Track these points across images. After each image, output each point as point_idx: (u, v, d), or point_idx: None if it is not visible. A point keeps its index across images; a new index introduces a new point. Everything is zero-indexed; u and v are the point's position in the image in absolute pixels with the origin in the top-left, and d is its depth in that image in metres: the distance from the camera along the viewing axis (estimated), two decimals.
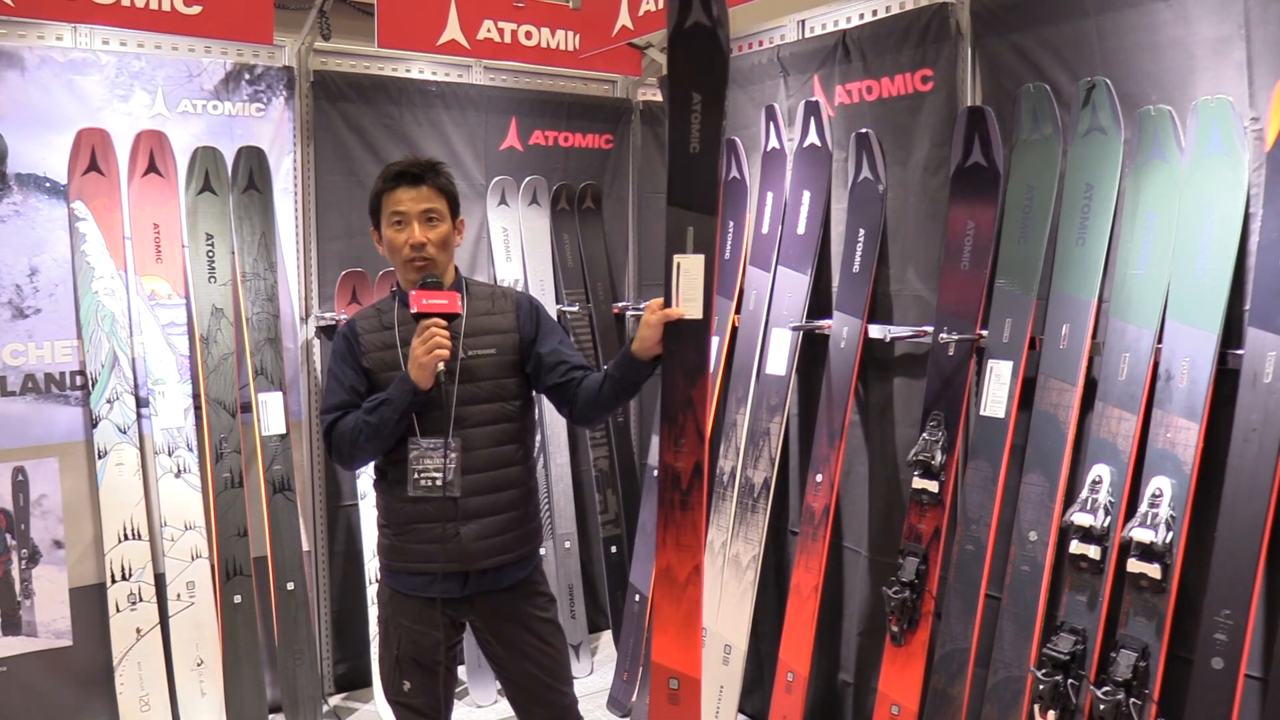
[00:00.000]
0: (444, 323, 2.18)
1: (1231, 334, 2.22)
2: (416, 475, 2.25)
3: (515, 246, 4.11)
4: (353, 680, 3.85)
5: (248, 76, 3.56)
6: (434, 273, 2.27)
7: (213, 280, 3.48)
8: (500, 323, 2.36)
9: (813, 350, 3.19)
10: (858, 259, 3.02)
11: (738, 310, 3.43)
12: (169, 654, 3.35)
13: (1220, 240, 2.23)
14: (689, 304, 2.22)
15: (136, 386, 3.37)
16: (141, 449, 3.36)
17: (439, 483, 2.25)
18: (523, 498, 2.37)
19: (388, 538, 2.34)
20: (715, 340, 3.45)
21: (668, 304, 2.18)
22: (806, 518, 3.08)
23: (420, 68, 3.93)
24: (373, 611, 3.63)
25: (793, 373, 3.16)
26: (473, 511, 2.28)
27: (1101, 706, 2.25)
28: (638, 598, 3.52)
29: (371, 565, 3.65)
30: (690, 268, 2.25)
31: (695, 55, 2.29)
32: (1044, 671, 2.37)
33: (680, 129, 2.27)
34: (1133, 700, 2.23)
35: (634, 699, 3.53)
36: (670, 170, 2.27)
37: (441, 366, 2.17)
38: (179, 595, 3.36)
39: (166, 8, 3.23)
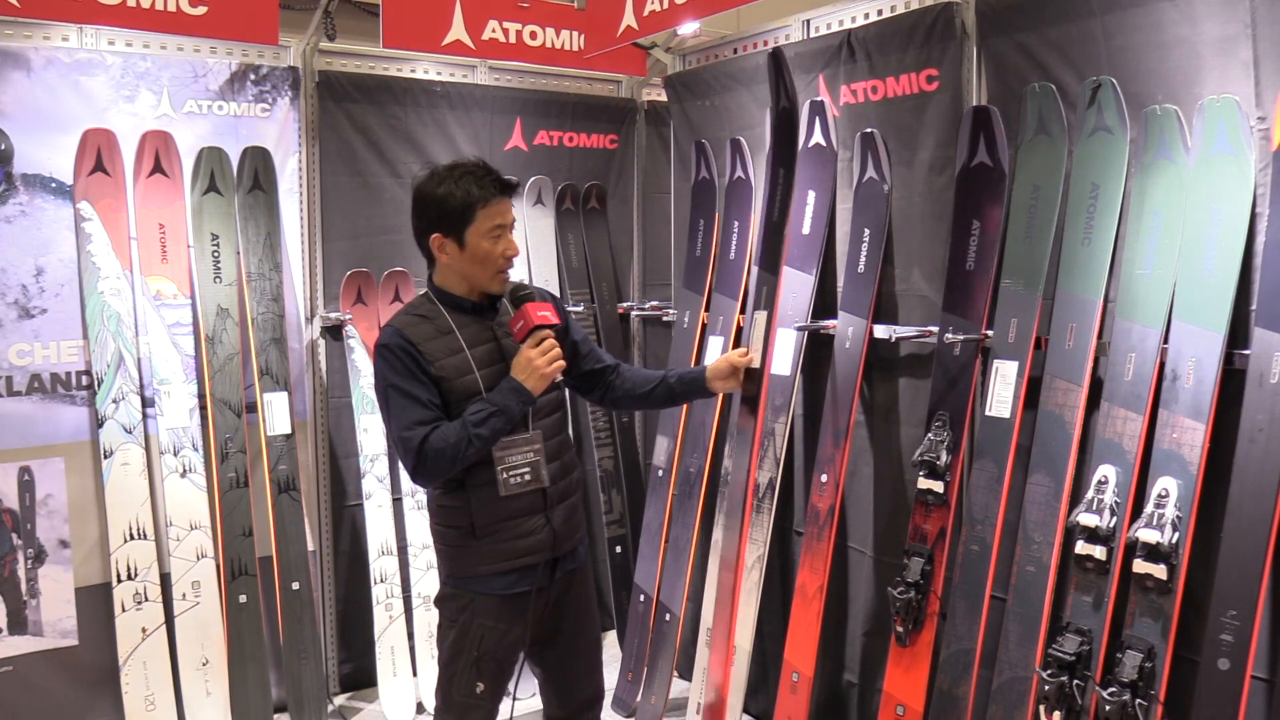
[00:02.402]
0: (553, 334, 2.30)
1: (1238, 334, 2.21)
2: (506, 475, 2.29)
3: (520, 247, 4.10)
4: (358, 680, 3.85)
5: (253, 77, 3.57)
6: (524, 284, 2.38)
7: (218, 280, 3.49)
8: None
9: (818, 350, 3.19)
10: (863, 259, 3.02)
11: (742, 310, 3.42)
12: (174, 653, 3.36)
13: (1226, 240, 2.22)
14: (757, 353, 2.74)
15: (142, 386, 3.38)
16: (147, 449, 3.36)
17: (528, 477, 2.31)
18: (580, 476, 2.52)
19: (469, 544, 2.32)
20: (720, 340, 3.44)
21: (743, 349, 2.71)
22: (811, 518, 3.07)
23: (425, 68, 3.94)
24: (379, 611, 3.64)
25: (798, 373, 3.15)
26: (558, 497, 2.38)
27: (1107, 708, 2.24)
28: (642, 598, 3.51)
29: (378, 564, 3.65)
30: (760, 321, 2.77)
31: (786, 134, 2.73)
32: (1049, 672, 2.36)
33: (770, 201, 2.75)
34: (1138, 701, 2.22)
35: (639, 699, 3.53)
36: (764, 238, 2.80)
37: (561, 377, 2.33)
38: (184, 595, 3.37)
39: (172, 8, 3.24)
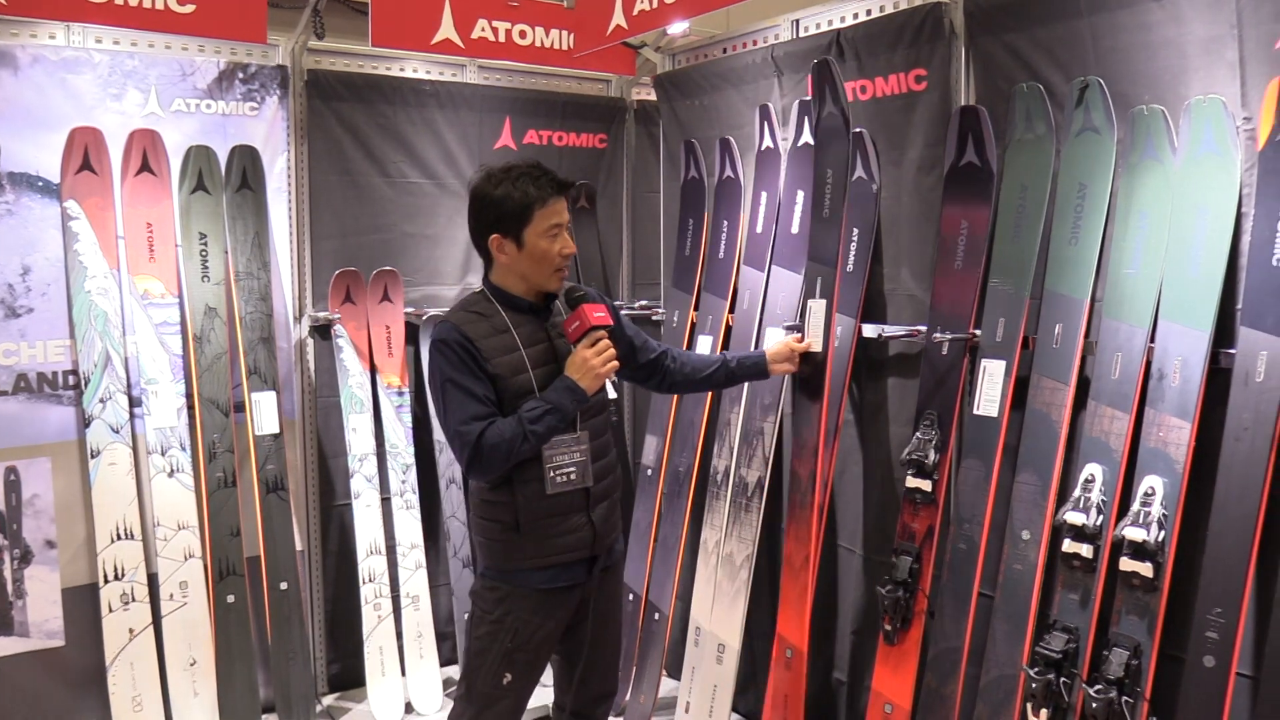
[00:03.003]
0: (607, 334, 2.37)
1: (1224, 333, 2.22)
2: (553, 473, 2.35)
3: None
4: (346, 680, 3.84)
5: (241, 75, 3.56)
6: (580, 285, 2.45)
7: (206, 279, 3.47)
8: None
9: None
10: (852, 258, 3.02)
11: (731, 309, 3.43)
12: (162, 654, 3.34)
13: (1213, 240, 2.23)
14: (815, 339, 2.86)
15: (129, 386, 3.36)
16: (134, 449, 3.35)
17: (574, 476, 2.37)
18: (620, 476, 2.57)
19: (512, 539, 2.37)
20: (709, 339, 3.45)
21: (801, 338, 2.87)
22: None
23: (414, 67, 3.93)
24: (367, 611, 3.63)
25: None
26: (599, 496, 2.44)
27: (1094, 705, 2.25)
28: (631, 597, 3.51)
29: (366, 564, 3.64)
30: (818, 310, 2.84)
31: (831, 139, 2.85)
32: (1036, 670, 2.37)
33: (819, 198, 2.89)
34: (1125, 699, 2.23)
35: (628, 698, 3.53)
36: (812, 232, 2.95)
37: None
38: (172, 595, 3.36)
39: (160, 6, 3.22)
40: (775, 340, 2.92)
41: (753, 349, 3.27)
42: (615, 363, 2.37)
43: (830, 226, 2.87)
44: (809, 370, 2.90)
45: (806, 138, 3.16)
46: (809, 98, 3.16)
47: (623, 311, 4.24)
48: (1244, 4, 2.19)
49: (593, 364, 2.32)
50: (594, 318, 2.35)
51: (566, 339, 2.39)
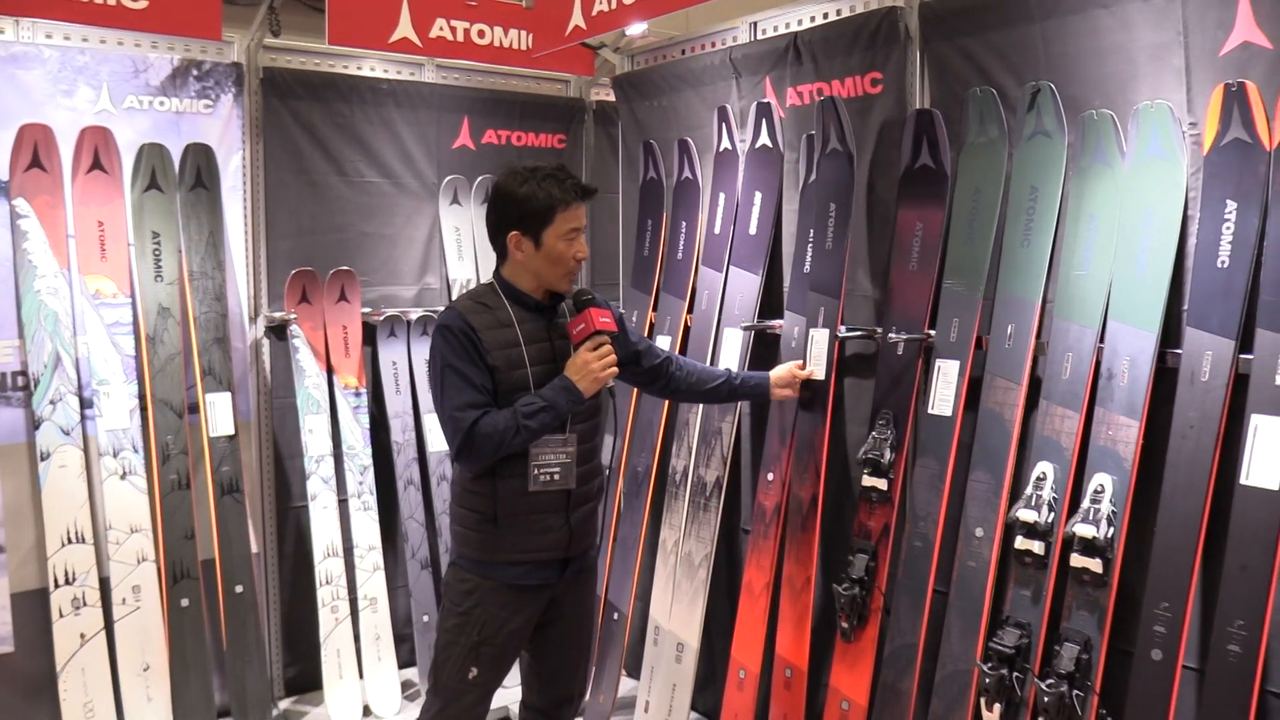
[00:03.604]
0: (609, 340, 2.40)
1: (1170, 333, 2.27)
2: (538, 471, 2.38)
3: (468, 246, 4.09)
4: (303, 684, 3.81)
5: (195, 73, 3.52)
6: (588, 289, 2.48)
7: (159, 279, 3.43)
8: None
9: (764, 350, 3.21)
10: (809, 260, 3.05)
11: (690, 310, 3.44)
12: (114, 660, 3.30)
13: (1160, 242, 2.28)
14: (818, 367, 2.91)
15: (80, 387, 3.31)
16: (86, 451, 3.30)
17: (557, 476, 2.40)
18: (603, 483, 2.62)
19: (488, 531, 2.40)
20: (667, 340, 3.46)
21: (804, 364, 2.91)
22: (758, 515, 3.10)
23: (372, 65, 3.90)
24: (324, 613, 3.60)
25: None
26: (580, 500, 2.47)
27: (1045, 699, 2.29)
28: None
29: (323, 566, 3.61)
30: (820, 339, 2.90)
31: (836, 174, 2.88)
32: (990, 665, 2.41)
33: (820, 229, 2.93)
34: (1075, 692, 2.27)
35: (587, 697, 3.53)
36: (811, 262, 2.98)
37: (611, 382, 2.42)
38: (124, 599, 3.31)
39: (112, 2, 3.17)
40: (781, 367, 2.95)
41: (711, 356, 3.29)
42: (615, 369, 2.40)
43: (834, 258, 2.90)
44: (809, 396, 2.94)
45: (764, 140, 3.18)
46: (766, 100, 3.18)
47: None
48: (1190, 12, 2.24)
49: (593, 367, 2.36)
50: (599, 322, 2.39)
51: (570, 340, 2.42)
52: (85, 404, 3.32)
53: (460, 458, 2.37)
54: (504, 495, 2.38)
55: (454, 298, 3.58)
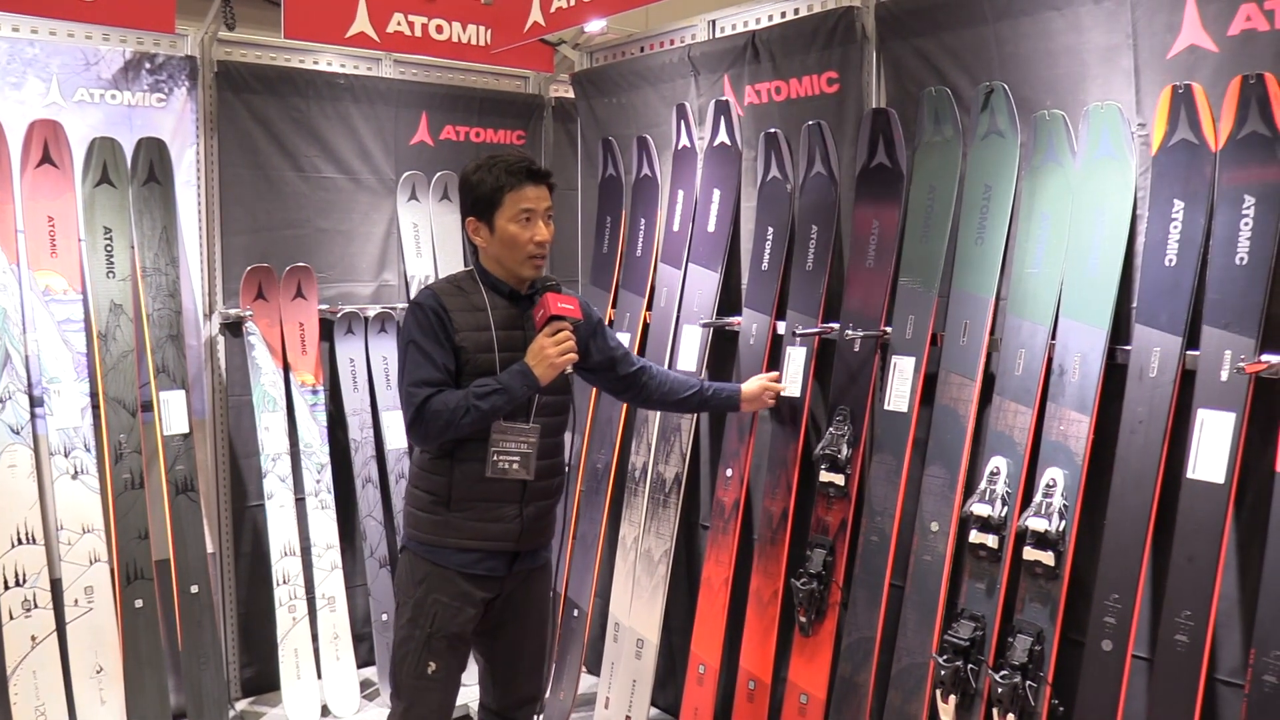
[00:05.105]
0: (570, 326, 2.37)
1: (1120, 330, 2.32)
2: (496, 458, 2.37)
3: (426, 242, 4.07)
4: (260, 684, 3.78)
5: (148, 66, 3.47)
6: (553, 277, 2.45)
7: (111, 275, 3.38)
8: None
9: (723, 347, 3.23)
10: (766, 257, 3.07)
11: (649, 307, 3.45)
12: (66, 662, 3.24)
13: (1110, 241, 2.32)
14: (792, 384, 2.92)
15: (30, 385, 3.25)
16: (36, 450, 3.24)
17: (516, 466, 2.38)
18: (562, 482, 2.58)
19: (439, 513, 2.40)
20: (626, 337, 3.47)
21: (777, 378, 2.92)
22: (717, 512, 3.12)
23: (328, 60, 3.87)
24: (282, 613, 3.57)
25: (703, 369, 3.19)
26: (536, 494, 2.45)
27: (1000, 690, 2.33)
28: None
29: (280, 566, 3.58)
30: (797, 357, 2.92)
31: (820, 197, 2.92)
32: (945, 657, 2.44)
33: (802, 250, 2.96)
34: (1029, 683, 2.31)
35: (547, 695, 3.53)
36: (793, 284, 2.98)
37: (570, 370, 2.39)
38: (76, 601, 3.26)
39: None
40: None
41: (670, 352, 3.30)
42: (573, 355, 2.37)
43: (814, 279, 2.92)
44: (787, 418, 2.96)
45: (723, 137, 3.19)
46: (724, 98, 3.20)
47: None
48: (1139, 15, 2.28)
49: (549, 353, 2.33)
50: (556, 307, 2.36)
51: (534, 326, 2.41)
52: (35, 402, 3.26)
53: (411, 433, 2.39)
54: (459, 479, 2.38)
55: (413, 294, 3.56)
